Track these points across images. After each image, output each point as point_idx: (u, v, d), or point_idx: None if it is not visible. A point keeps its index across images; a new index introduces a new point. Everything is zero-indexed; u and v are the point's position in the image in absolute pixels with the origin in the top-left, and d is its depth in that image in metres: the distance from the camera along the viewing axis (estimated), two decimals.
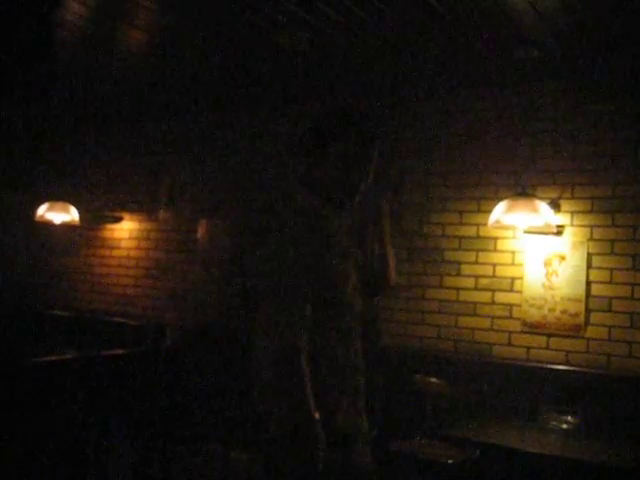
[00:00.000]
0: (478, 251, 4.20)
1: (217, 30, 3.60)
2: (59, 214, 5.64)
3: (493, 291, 4.13)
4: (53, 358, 2.80)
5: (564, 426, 3.53)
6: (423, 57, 3.82)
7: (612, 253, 3.82)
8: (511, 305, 4.07)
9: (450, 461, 3.44)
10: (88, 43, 3.93)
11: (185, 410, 4.18)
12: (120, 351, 3.11)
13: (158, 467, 3.31)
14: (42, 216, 5.64)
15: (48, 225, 5.81)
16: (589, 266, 3.86)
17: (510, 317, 4.06)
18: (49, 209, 5.62)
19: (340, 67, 4.09)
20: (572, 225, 3.93)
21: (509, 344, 4.06)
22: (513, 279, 4.08)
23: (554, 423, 3.55)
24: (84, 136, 6.12)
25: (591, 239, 3.87)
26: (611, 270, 3.82)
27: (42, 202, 5.67)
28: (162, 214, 5.60)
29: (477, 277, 4.20)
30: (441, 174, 4.37)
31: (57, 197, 5.70)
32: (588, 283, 3.85)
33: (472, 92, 4.29)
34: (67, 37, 3.76)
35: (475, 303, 4.18)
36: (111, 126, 5.92)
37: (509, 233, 4.09)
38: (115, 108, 5.44)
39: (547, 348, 3.94)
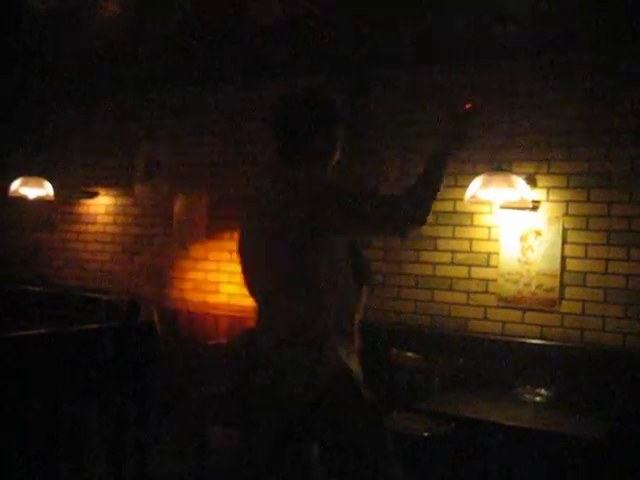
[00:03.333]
0: (455, 226, 4.21)
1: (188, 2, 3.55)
2: (33, 189, 5.54)
3: (469, 266, 4.15)
4: (23, 334, 2.77)
5: (538, 399, 3.57)
6: (399, 31, 3.78)
7: (587, 229, 3.85)
8: (487, 280, 4.09)
9: (426, 434, 3.48)
10: (60, 14, 3.84)
11: (160, 385, 4.18)
12: (92, 326, 3.09)
13: (133, 443, 3.31)
14: (16, 191, 5.54)
15: (22, 200, 5.72)
16: (564, 241, 3.88)
17: (486, 292, 4.09)
18: (23, 184, 5.52)
19: (314, 39, 4.02)
20: (548, 201, 3.95)
21: (485, 319, 4.09)
22: (489, 254, 4.10)
23: (528, 396, 3.59)
24: (59, 110, 6.01)
25: (566, 214, 3.89)
26: (586, 245, 3.84)
27: (16, 177, 5.57)
28: (138, 189, 5.54)
29: (454, 252, 4.21)
30: (417, 149, 4.35)
31: (31, 172, 5.60)
32: (563, 258, 3.88)
33: (449, 67, 4.27)
34: (39, 7, 3.68)
35: (451, 278, 4.20)
36: (86, 100, 5.82)
37: (485, 208, 4.09)
38: (90, 81, 5.35)
39: (522, 322, 3.97)
